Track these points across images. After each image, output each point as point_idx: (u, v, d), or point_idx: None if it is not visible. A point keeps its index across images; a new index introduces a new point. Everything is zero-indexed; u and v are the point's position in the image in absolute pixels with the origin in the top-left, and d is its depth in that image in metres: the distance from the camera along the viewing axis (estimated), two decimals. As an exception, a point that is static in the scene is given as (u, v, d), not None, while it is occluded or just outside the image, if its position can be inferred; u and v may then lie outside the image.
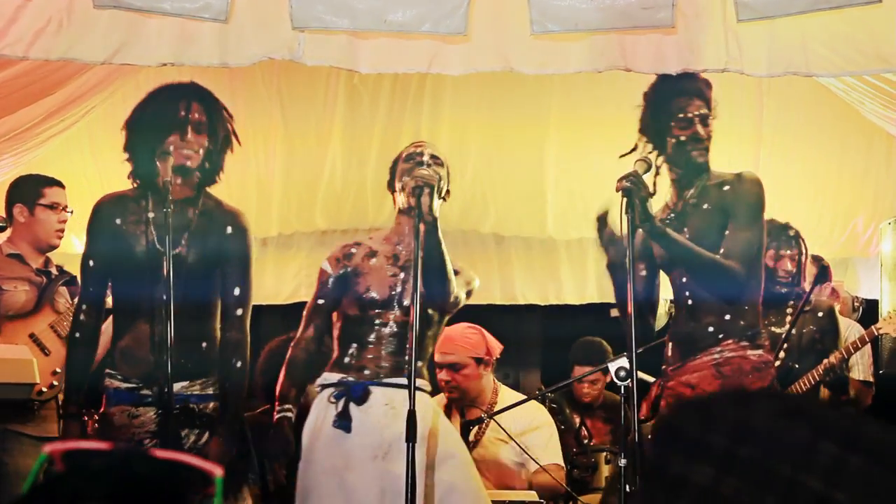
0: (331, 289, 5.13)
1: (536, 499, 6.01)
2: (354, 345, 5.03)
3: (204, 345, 4.81)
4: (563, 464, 6.74)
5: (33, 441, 5.80)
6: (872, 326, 6.51)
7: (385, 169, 8.11)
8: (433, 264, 4.84)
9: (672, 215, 4.92)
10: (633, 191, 4.58)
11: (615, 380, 5.85)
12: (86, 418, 5.39)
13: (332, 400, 4.95)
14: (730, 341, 4.71)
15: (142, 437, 4.71)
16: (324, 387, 5.03)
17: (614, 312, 8.63)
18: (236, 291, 4.84)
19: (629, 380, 5.36)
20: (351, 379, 4.96)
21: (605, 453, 6.91)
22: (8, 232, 6.13)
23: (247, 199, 8.31)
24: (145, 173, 4.77)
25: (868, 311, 7.41)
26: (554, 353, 8.85)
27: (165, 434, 4.60)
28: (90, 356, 4.88)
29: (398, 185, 5.14)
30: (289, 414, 4.96)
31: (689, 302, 4.85)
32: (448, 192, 5.17)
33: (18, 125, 6.56)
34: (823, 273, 6.75)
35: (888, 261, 7.13)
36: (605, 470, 6.88)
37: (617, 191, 4.58)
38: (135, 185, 4.85)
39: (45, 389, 5.84)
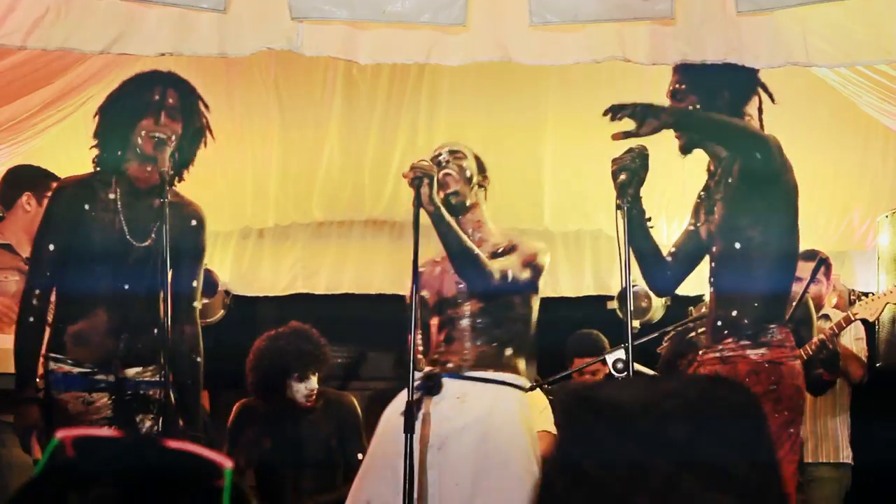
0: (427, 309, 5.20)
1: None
2: (443, 343, 5.08)
3: (155, 331, 4.80)
4: (555, 431, 6.76)
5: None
6: (848, 310, 6.53)
7: (382, 160, 8.17)
8: (452, 250, 4.85)
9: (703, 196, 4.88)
10: (633, 168, 4.59)
11: (612, 371, 5.88)
12: None
13: (416, 392, 4.96)
14: (730, 340, 4.66)
15: (98, 423, 4.68)
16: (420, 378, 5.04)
17: (611, 304, 8.69)
18: (194, 283, 4.89)
19: (626, 372, 5.36)
20: (437, 371, 4.99)
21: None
22: None
23: (243, 190, 8.32)
24: (111, 160, 4.76)
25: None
26: (550, 345, 8.85)
27: (121, 420, 4.59)
28: (40, 340, 4.82)
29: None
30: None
31: (712, 292, 4.81)
32: (485, 178, 5.36)
33: (15, 115, 6.54)
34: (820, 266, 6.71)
35: (885, 254, 7.13)
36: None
37: (614, 169, 4.59)
38: (96, 169, 4.83)
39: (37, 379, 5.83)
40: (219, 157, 7.83)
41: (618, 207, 4.59)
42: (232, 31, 4.88)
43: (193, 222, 4.90)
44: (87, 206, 4.79)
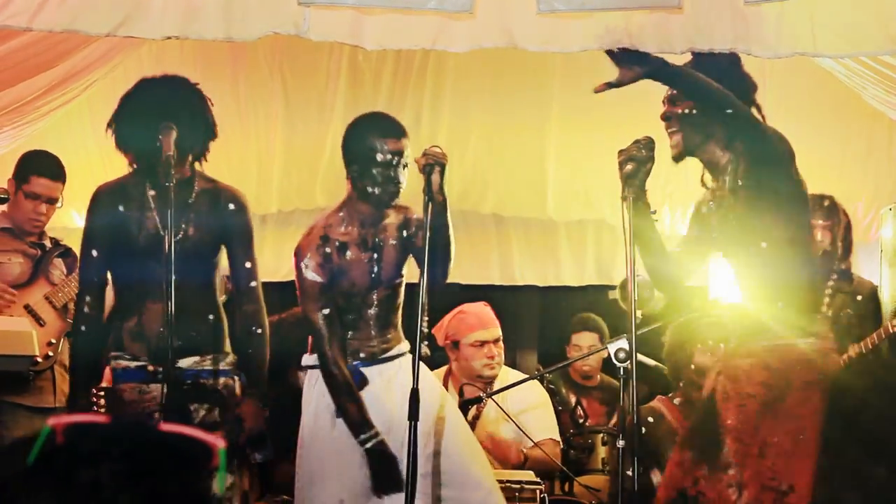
0: (327, 294, 5.05)
1: (533, 478, 6.03)
2: (350, 332, 5.04)
3: (211, 317, 4.91)
4: (559, 439, 6.77)
5: (30, 412, 5.84)
6: (889, 322, 6.36)
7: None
8: (439, 244, 4.84)
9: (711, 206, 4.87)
10: (641, 159, 4.59)
11: (614, 361, 5.87)
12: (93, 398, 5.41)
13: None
14: (779, 329, 4.65)
15: (151, 410, 4.77)
16: (308, 368, 5.08)
17: (613, 294, 8.69)
18: (247, 265, 4.97)
19: (628, 361, 5.35)
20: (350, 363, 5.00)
21: (601, 434, 6.93)
22: (3, 206, 6.13)
23: (247, 176, 8.31)
24: (144, 156, 4.78)
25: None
26: (551, 334, 8.87)
27: (173, 409, 4.63)
28: (98, 347, 4.92)
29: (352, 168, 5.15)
30: (381, 437, 4.94)
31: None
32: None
33: (19, 98, 6.55)
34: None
35: (888, 246, 7.11)
36: (602, 451, 6.89)
37: (621, 160, 4.58)
38: (133, 167, 4.86)
39: (40, 360, 5.86)
40: (222, 143, 7.79)
41: (623, 199, 4.57)
42: (238, 15, 4.87)
43: (231, 206, 4.94)
44: (121, 208, 4.85)
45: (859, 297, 6.49)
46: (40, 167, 6.09)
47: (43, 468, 1.42)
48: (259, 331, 4.94)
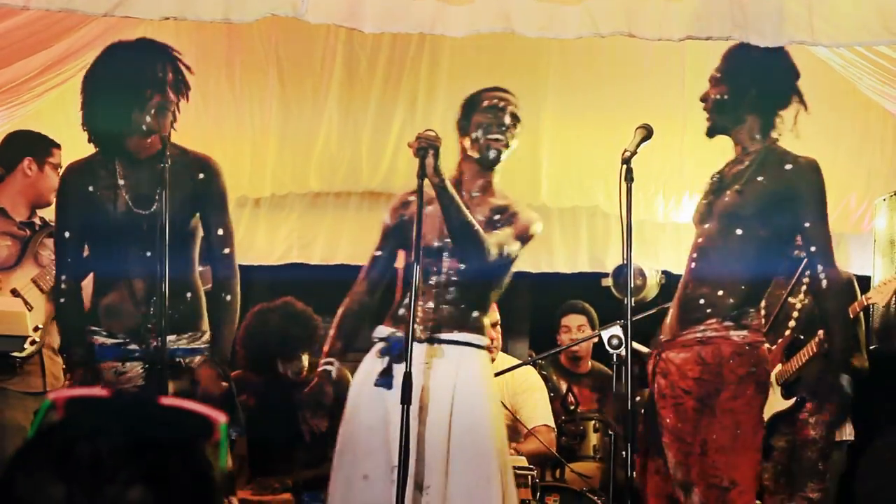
0: (390, 240, 5.08)
1: (525, 464, 6.03)
2: (408, 297, 4.82)
3: (189, 295, 4.87)
4: (553, 425, 6.78)
5: (18, 395, 5.81)
6: (863, 296, 6.52)
7: (381, 130, 8.17)
8: (453, 224, 4.79)
9: (717, 178, 4.88)
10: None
11: (607, 348, 5.88)
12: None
13: (378, 355, 4.92)
14: (713, 320, 4.66)
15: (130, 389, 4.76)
16: (378, 340, 4.98)
17: (606, 282, 8.70)
18: (220, 231, 4.89)
19: (621, 348, 5.37)
20: (400, 334, 4.87)
21: (593, 421, 6.93)
22: None
23: (241, 159, 8.30)
24: (110, 138, 4.76)
25: (861, 288, 7.41)
26: (543, 321, 8.87)
27: (153, 388, 4.62)
28: (80, 315, 4.92)
29: (472, 132, 5.06)
30: (329, 368, 4.96)
31: (693, 269, 4.82)
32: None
33: (14, 78, 6.53)
34: None
35: (881, 237, 7.13)
36: (594, 438, 6.90)
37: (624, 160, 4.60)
38: (96, 149, 4.85)
39: (27, 346, 5.83)
40: (217, 125, 7.82)
41: (625, 181, 4.59)
42: (236, -4, 4.86)
43: (201, 175, 4.88)
44: (90, 188, 4.81)
45: None
46: (51, 141, 6.12)
47: (42, 442, 1.42)
48: (228, 298, 4.86)
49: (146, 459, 1.38)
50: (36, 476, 1.37)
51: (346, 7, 4.90)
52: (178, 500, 1.39)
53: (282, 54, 8.02)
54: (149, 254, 4.69)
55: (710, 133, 4.86)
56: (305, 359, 6.57)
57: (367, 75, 8.04)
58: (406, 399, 4.50)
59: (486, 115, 5.03)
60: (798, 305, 6.68)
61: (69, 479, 1.35)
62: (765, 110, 4.76)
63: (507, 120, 5.02)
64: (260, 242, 8.68)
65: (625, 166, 4.60)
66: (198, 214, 4.90)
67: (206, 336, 4.89)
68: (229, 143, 8.12)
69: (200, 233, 4.94)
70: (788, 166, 4.68)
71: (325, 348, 5.06)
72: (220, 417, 1.47)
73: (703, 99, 4.85)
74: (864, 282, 7.17)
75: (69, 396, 1.47)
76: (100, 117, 4.77)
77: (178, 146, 4.87)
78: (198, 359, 4.82)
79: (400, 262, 5.11)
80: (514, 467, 5.85)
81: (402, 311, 4.92)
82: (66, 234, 4.85)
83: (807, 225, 4.64)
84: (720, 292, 4.66)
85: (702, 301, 4.69)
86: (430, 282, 4.96)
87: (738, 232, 4.65)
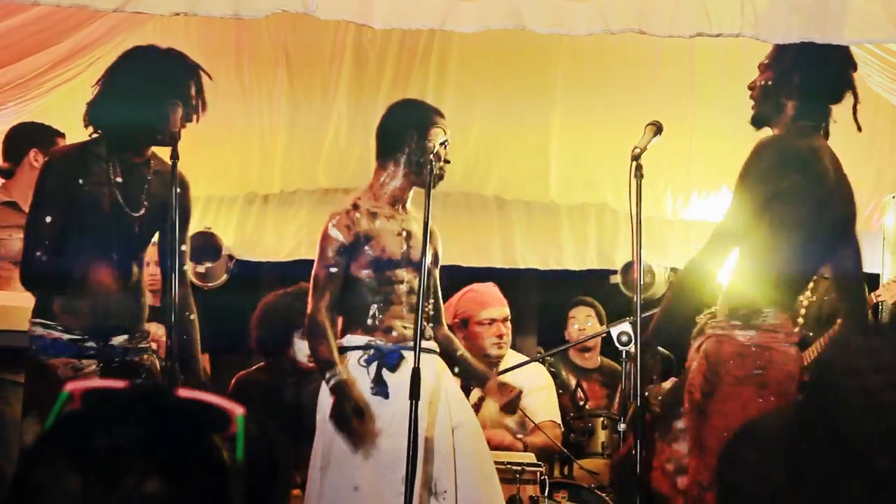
0: (344, 256, 5.10)
1: (534, 460, 6.04)
2: (374, 306, 5.05)
3: (142, 299, 4.92)
4: (559, 422, 6.78)
5: (28, 389, 5.82)
6: (872, 293, 6.51)
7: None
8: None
9: None
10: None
11: (616, 344, 5.87)
12: None
13: (363, 364, 4.96)
14: (721, 318, 4.62)
15: None
16: (347, 349, 5.03)
17: (615, 279, 8.70)
18: (183, 248, 4.85)
19: (631, 344, 5.36)
20: (380, 342, 4.97)
21: (602, 418, 6.93)
22: (0, 180, 6.12)
23: (250, 155, 8.32)
24: (118, 129, 4.75)
25: (869, 286, 7.41)
26: (551, 317, 8.87)
27: (170, 381, 4.63)
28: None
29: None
30: (338, 379, 4.92)
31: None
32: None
33: (23, 74, 6.55)
34: None
35: (890, 235, 7.13)
36: (602, 435, 6.89)
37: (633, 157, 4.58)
38: (93, 135, 4.82)
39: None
40: (226, 122, 7.82)
41: (634, 178, 4.58)
42: (247, -9, 4.86)
43: (178, 190, 4.86)
44: (80, 181, 4.77)
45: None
46: (55, 131, 6.13)
47: (59, 434, 1.42)
48: (192, 317, 4.91)
49: (163, 452, 1.38)
50: (53, 467, 1.37)
51: (356, 3, 4.88)
52: (194, 492, 1.39)
53: (291, 50, 8.03)
54: (115, 256, 4.71)
55: (756, 123, 4.78)
56: None
57: (377, 71, 8.04)
58: (415, 394, 4.52)
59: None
60: (805, 303, 6.66)
61: (86, 471, 1.35)
62: (808, 100, 4.69)
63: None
64: (268, 239, 8.69)
65: (634, 163, 4.58)
66: (167, 222, 4.82)
67: (149, 335, 4.95)
68: (238, 139, 8.14)
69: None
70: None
71: (325, 361, 5.05)
72: (237, 409, 1.47)
73: (751, 87, 4.78)
74: (873, 280, 7.16)
75: (86, 388, 1.47)
76: (117, 113, 4.77)
77: (159, 157, 4.91)
78: (146, 357, 4.88)
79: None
80: (524, 464, 5.87)
81: (370, 321, 5.05)
82: (48, 220, 4.74)
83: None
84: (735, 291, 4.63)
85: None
86: (402, 290, 5.10)
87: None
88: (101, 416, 1.41)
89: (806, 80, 4.64)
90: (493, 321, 6.78)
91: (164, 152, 4.86)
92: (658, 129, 4.72)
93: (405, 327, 5.03)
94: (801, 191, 4.50)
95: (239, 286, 8.35)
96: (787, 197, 4.48)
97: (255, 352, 6.73)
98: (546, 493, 5.96)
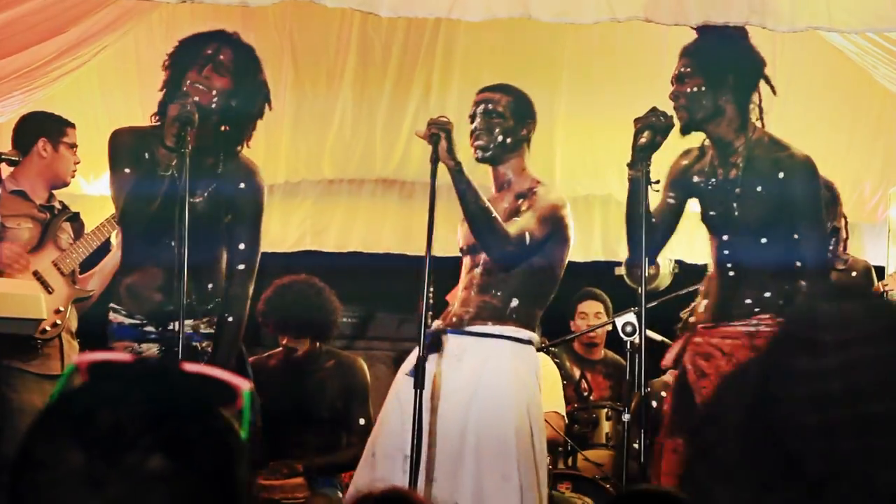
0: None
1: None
2: (461, 290, 5.06)
3: (210, 286, 4.86)
4: (563, 413, 6.78)
5: (37, 378, 5.85)
6: (879, 283, 6.51)
7: (395, 117, 8.16)
8: (471, 210, 4.83)
9: (713, 182, 4.85)
10: (659, 128, 4.59)
11: (621, 335, 5.86)
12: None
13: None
14: (766, 315, 4.64)
15: None
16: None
17: (619, 271, 8.68)
18: (241, 246, 4.89)
19: (635, 335, 5.36)
20: (441, 326, 4.99)
21: (606, 409, 6.93)
22: (8, 170, 6.13)
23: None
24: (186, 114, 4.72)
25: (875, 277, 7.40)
26: (556, 309, 8.86)
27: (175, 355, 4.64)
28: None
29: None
30: None
31: (729, 266, 4.80)
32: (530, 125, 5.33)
33: (30, 62, 6.53)
34: None
35: (896, 227, 7.13)
36: (606, 426, 6.90)
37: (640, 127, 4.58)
38: (155, 121, 4.82)
39: (48, 328, 5.85)
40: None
41: (629, 165, 4.59)
42: (254, -20, 4.86)
43: (242, 185, 4.89)
44: (146, 155, 4.78)
45: (854, 274, 6.52)
46: (64, 121, 6.16)
47: (62, 408, 1.41)
48: (231, 319, 4.86)
49: (167, 427, 1.38)
50: (55, 442, 1.37)
51: (362, -9, 4.90)
52: (199, 469, 1.38)
53: (296, 40, 8.01)
54: (172, 243, 4.69)
55: (685, 130, 4.79)
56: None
57: (382, 62, 8.03)
58: (419, 383, 4.52)
59: (471, 120, 5.12)
60: None
61: (89, 446, 1.35)
62: (738, 95, 4.71)
63: (478, 123, 5.06)
64: (273, 229, 8.66)
65: (640, 149, 4.59)
66: (229, 217, 4.90)
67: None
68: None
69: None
70: (781, 174, 4.64)
71: None
72: (244, 384, 1.46)
73: (674, 97, 4.78)
74: (879, 272, 7.16)
75: (92, 361, 1.47)
76: (165, 88, 4.80)
77: (238, 152, 4.98)
78: (205, 343, 4.84)
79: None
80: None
81: (454, 305, 5.05)
82: (127, 171, 4.80)
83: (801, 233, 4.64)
84: (767, 294, 4.65)
85: (748, 301, 4.68)
86: (474, 273, 5.04)
87: (763, 241, 4.65)
88: (106, 391, 1.40)
89: (737, 79, 4.66)
90: None
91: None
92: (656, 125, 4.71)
93: (466, 311, 5.00)
94: None
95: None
96: None
97: (269, 332, 6.76)
98: (550, 485, 5.96)
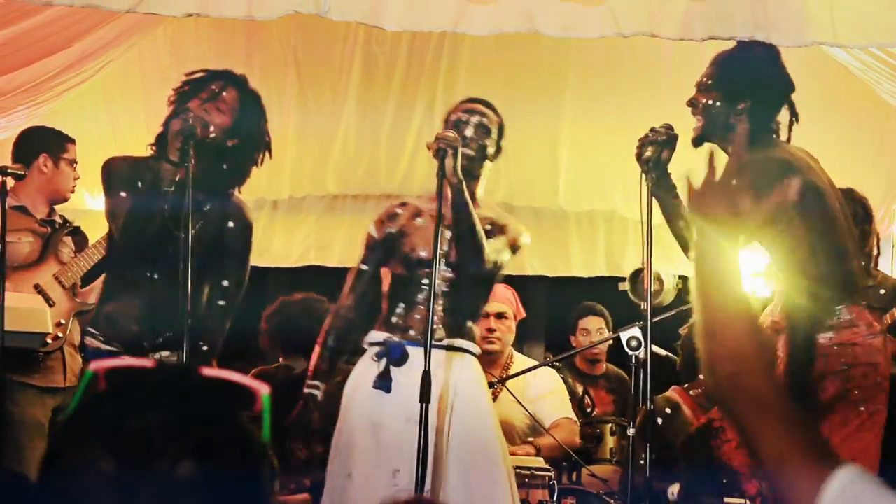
0: (375, 252, 5.10)
1: (543, 465, 6.03)
2: (402, 304, 4.99)
3: (189, 321, 4.81)
4: (574, 418, 6.78)
5: (39, 392, 5.84)
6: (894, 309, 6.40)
7: (399, 133, 8.17)
8: (462, 227, 4.83)
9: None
10: (659, 142, 4.59)
11: (626, 349, 5.85)
12: None
13: (374, 359, 4.93)
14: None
15: None
16: (370, 345, 5.01)
17: (623, 286, 8.68)
18: (225, 283, 4.86)
19: (640, 349, 5.36)
20: (395, 339, 4.93)
21: (610, 424, 6.92)
22: (11, 182, 6.14)
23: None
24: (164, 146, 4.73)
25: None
26: (559, 325, 8.86)
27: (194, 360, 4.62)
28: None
29: None
30: (315, 392, 4.97)
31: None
32: (499, 149, 5.18)
33: (35, 77, 6.56)
34: None
35: (901, 242, 7.12)
36: (611, 441, 6.88)
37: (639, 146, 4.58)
38: (153, 150, 4.79)
39: (49, 341, 5.85)
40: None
41: (644, 172, 4.57)
42: (259, -7, 4.87)
43: (230, 224, 4.87)
44: (139, 184, 4.73)
45: (882, 292, 6.44)
46: (65, 136, 6.15)
47: (90, 415, 1.41)
48: (206, 349, 4.79)
49: (194, 433, 1.38)
50: (85, 449, 1.37)
51: (368, 4, 4.89)
52: (226, 473, 1.38)
53: (301, 55, 8.02)
54: (156, 276, 4.68)
55: (698, 141, 4.78)
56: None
57: (386, 77, 8.04)
58: (425, 398, 4.51)
59: (455, 126, 5.06)
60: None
61: (119, 454, 1.35)
62: (756, 119, 4.70)
63: (469, 132, 5.02)
64: (277, 244, 8.69)
65: (653, 148, 4.60)
66: (215, 255, 4.84)
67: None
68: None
69: None
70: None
71: (310, 369, 5.06)
72: (263, 388, 1.47)
73: (693, 104, 4.78)
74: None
75: (111, 367, 1.47)
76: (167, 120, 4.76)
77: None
78: None
79: (385, 273, 5.14)
80: (532, 468, 5.85)
81: (394, 319, 4.98)
82: (122, 194, 4.74)
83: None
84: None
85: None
86: (424, 292, 4.98)
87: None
88: (132, 397, 1.40)
89: (756, 99, 4.65)
90: (487, 315, 6.69)
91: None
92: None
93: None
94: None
95: (247, 292, 8.32)
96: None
97: (268, 350, 6.74)
98: (554, 499, 5.95)
